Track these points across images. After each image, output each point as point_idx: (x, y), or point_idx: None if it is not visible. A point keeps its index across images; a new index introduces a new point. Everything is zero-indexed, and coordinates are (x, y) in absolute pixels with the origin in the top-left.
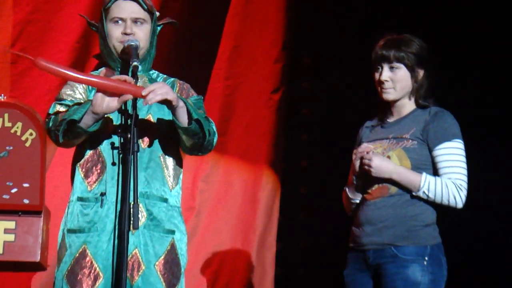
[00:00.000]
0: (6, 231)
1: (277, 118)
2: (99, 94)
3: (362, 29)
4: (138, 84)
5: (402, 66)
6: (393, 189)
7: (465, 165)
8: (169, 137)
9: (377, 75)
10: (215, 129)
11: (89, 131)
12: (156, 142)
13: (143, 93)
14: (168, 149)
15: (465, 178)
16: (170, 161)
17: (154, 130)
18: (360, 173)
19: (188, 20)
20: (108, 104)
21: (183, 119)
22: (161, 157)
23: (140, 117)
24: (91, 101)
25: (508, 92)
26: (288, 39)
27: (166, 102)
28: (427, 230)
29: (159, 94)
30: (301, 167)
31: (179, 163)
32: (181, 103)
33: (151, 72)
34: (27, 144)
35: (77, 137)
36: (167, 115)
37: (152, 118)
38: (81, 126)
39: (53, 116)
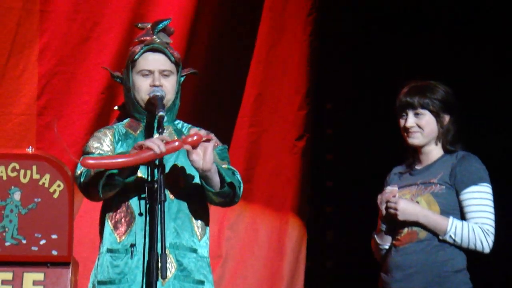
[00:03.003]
0: (35, 283)
1: (301, 165)
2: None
3: (384, 74)
4: (164, 134)
5: (427, 112)
6: (422, 234)
7: (492, 210)
8: (196, 187)
9: (402, 122)
10: (240, 180)
11: (126, 182)
12: (183, 192)
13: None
14: (196, 199)
15: (492, 223)
16: (198, 211)
17: (181, 180)
18: (387, 217)
19: (212, 67)
20: None
21: (216, 183)
22: (190, 208)
23: (167, 167)
24: (125, 152)
25: None
26: (311, 86)
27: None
28: (458, 276)
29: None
30: (326, 213)
31: (206, 212)
32: (213, 168)
33: (176, 122)
34: (55, 196)
35: (114, 189)
36: None
37: (179, 169)
38: (119, 178)
39: (85, 171)
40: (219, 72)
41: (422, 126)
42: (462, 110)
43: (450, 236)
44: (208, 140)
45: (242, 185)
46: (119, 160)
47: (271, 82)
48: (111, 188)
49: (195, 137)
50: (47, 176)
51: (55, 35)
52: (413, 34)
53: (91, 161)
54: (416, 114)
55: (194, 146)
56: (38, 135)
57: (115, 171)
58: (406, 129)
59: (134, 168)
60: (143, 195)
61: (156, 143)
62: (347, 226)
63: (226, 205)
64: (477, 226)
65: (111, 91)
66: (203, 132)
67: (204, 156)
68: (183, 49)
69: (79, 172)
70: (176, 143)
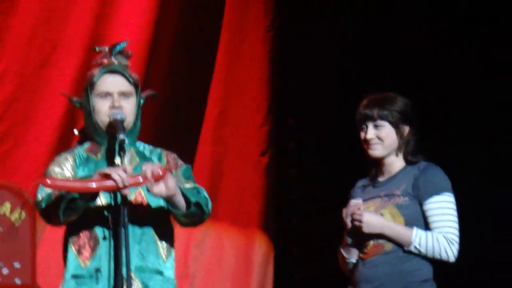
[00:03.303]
0: None
1: (266, 181)
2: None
3: (345, 87)
4: (126, 157)
5: (386, 123)
6: (388, 246)
7: (456, 219)
8: (159, 209)
9: (362, 134)
10: (207, 196)
11: (89, 205)
12: (147, 215)
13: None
14: (160, 221)
15: (457, 232)
16: (162, 233)
17: (145, 203)
18: (352, 230)
19: (173, 86)
20: None
21: (181, 205)
22: (154, 230)
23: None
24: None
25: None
26: (272, 102)
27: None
28: (425, 286)
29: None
30: (293, 228)
31: (171, 234)
32: (177, 191)
33: (137, 144)
34: (17, 224)
35: (75, 213)
36: None
37: (142, 192)
38: (80, 202)
39: (46, 196)
40: (180, 91)
41: (382, 138)
42: (421, 120)
43: (415, 247)
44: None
45: (209, 202)
46: (80, 185)
47: (232, 99)
48: (72, 212)
49: (160, 172)
50: (8, 204)
51: (13, 61)
52: (372, 47)
53: (50, 181)
54: (376, 126)
55: (158, 180)
56: None
57: (76, 195)
58: (367, 141)
59: (95, 192)
60: (107, 218)
61: (120, 176)
62: (314, 240)
63: (195, 224)
64: (441, 236)
65: (71, 115)
66: (156, 164)
67: (165, 183)
68: (142, 70)
69: (40, 197)
70: (140, 179)
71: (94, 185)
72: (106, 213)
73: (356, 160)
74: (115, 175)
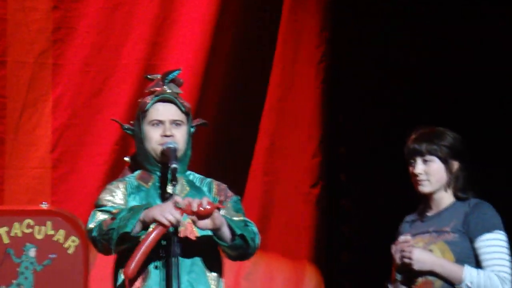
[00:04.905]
0: None
1: (317, 213)
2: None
3: (396, 120)
4: (177, 186)
5: (435, 158)
6: (438, 284)
7: (508, 257)
8: (209, 240)
9: (411, 169)
10: (256, 231)
11: (140, 236)
12: (197, 245)
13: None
14: (209, 252)
15: (509, 270)
16: (212, 264)
17: (195, 233)
18: (402, 266)
19: (224, 117)
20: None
21: (226, 236)
22: (203, 260)
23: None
24: (139, 208)
25: None
26: (324, 133)
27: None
28: None
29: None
30: (343, 261)
31: (220, 264)
32: (223, 221)
33: (187, 173)
34: (70, 252)
35: (126, 244)
36: None
37: (191, 222)
38: (133, 235)
39: (97, 225)
40: (231, 122)
41: (431, 173)
42: (472, 156)
43: (467, 285)
44: (219, 209)
45: (258, 236)
46: (146, 245)
47: (283, 130)
48: (123, 243)
49: (208, 207)
50: (62, 232)
51: (68, 88)
52: (429, 80)
53: (131, 268)
54: (425, 161)
55: (208, 215)
56: (52, 188)
57: (128, 229)
58: (415, 176)
59: (144, 226)
60: (158, 248)
61: (169, 218)
62: (365, 275)
63: (242, 258)
64: (493, 274)
65: (125, 142)
66: (206, 199)
67: (212, 217)
68: (194, 99)
69: (91, 226)
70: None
71: (153, 236)
72: (157, 243)
73: (408, 194)
74: (170, 217)
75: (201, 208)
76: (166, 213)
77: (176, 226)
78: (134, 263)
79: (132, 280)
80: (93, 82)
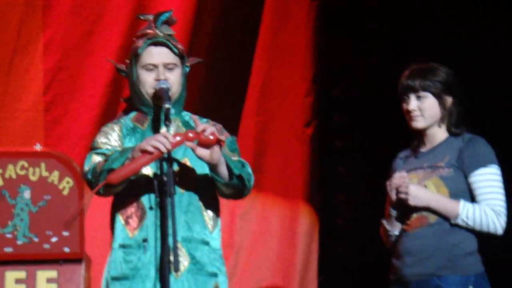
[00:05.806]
0: (49, 280)
1: (311, 152)
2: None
3: (391, 58)
4: (172, 127)
5: (428, 94)
6: (432, 218)
7: (502, 191)
8: (206, 179)
9: (404, 105)
10: (250, 172)
11: (130, 179)
12: (193, 185)
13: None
14: (206, 192)
15: (504, 204)
16: (208, 203)
17: (191, 173)
18: (397, 203)
19: (216, 57)
20: None
21: (224, 175)
22: (200, 200)
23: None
24: (131, 148)
25: None
26: (317, 72)
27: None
28: (470, 258)
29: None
30: (338, 199)
31: (217, 204)
32: (222, 159)
33: (183, 113)
34: (65, 193)
35: (120, 186)
36: None
37: (188, 162)
38: None
39: (92, 167)
40: (223, 62)
41: (424, 109)
42: (466, 92)
43: (463, 220)
44: (219, 144)
45: (252, 177)
46: (136, 165)
47: (276, 70)
48: (113, 187)
49: (210, 137)
50: (56, 173)
51: (59, 30)
52: (420, 18)
53: (114, 176)
54: (418, 97)
55: (209, 145)
56: (46, 131)
57: (115, 166)
58: (409, 113)
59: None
60: (153, 188)
61: (160, 141)
62: (359, 212)
63: (236, 198)
64: (488, 208)
65: (117, 84)
66: (212, 129)
67: (211, 152)
68: (187, 39)
69: (86, 168)
70: (178, 138)
71: (144, 161)
72: (152, 183)
73: (402, 132)
74: (155, 143)
75: (203, 136)
76: (151, 140)
77: (162, 151)
78: (119, 172)
79: (112, 187)
80: (84, 23)
